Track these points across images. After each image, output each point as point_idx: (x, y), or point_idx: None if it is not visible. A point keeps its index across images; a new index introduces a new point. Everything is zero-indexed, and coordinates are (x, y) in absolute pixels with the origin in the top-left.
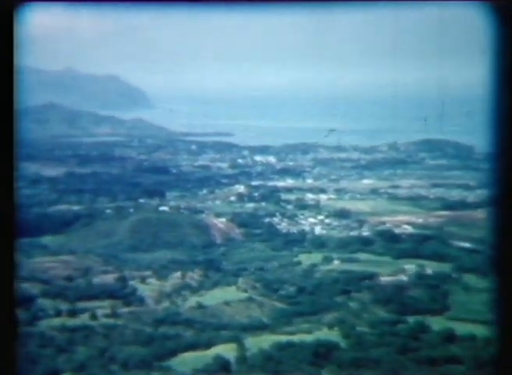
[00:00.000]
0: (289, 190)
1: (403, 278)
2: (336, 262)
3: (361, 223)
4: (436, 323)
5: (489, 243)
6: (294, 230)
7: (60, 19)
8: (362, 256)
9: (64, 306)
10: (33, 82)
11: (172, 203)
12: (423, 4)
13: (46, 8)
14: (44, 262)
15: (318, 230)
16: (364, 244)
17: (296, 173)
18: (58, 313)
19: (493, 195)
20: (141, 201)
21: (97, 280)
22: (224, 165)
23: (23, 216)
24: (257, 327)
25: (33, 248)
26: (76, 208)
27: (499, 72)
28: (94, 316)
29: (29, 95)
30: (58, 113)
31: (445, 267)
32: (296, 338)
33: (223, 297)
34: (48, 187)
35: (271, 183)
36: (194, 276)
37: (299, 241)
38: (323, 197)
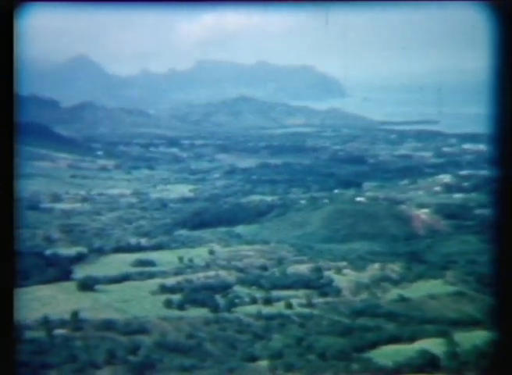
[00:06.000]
0: None
1: None
2: None
3: None
4: None
5: None
6: None
7: (248, 17)
8: None
9: (259, 294)
10: (226, 75)
11: (370, 194)
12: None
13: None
14: (238, 250)
15: None
16: None
17: None
18: (254, 301)
19: None
20: (336, 191)
21: (292, 269)
22: (428, 154)
23: (218, 206)
24: (469, 323)
25: (228, 237)
26: (269, 198)
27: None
28: (289, 305)
29: (222, 89)
30: (251, 105)
31: None
32: None
33: (428, 290)
34: (241, 178)
35: (483, 173)
36: (395, 267)
37: None
38: None
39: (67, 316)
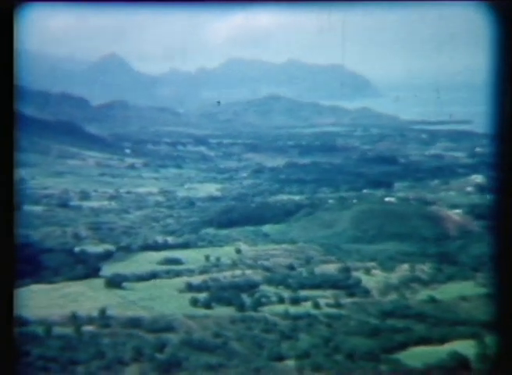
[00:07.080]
0: None
1: None
2: None
3: None
4: None
5: None
6: None
7: (279, 15)
8: None
9: (286, 294)
10: (256, 74)
11: (400, 194)
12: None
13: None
14: (266, 249)
15: None
16: None
17: None
18: (281, 300)
19: None
20: (365, 191)
21: (319, 269)
22: (460, 154)
23: (245, 205)
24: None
25: (255, 236)
26: (297, 197)
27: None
28: (316, 305)
29: (252, 87)
30: (281, 104)
31: None
32: None
33: (459, 291)
34: (270, 177)
35: None
36: (425, 268)
37: None
38: None
39: (95, 313)
